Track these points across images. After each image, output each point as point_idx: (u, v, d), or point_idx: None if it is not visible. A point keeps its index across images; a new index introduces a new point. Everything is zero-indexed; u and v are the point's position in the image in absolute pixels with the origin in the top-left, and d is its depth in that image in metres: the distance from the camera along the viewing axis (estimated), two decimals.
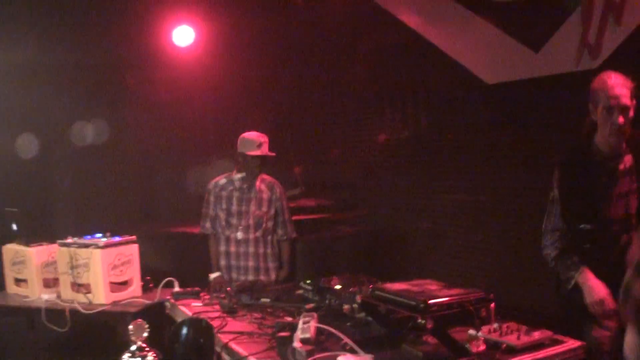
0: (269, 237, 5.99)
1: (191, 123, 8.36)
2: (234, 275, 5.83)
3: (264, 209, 5.90)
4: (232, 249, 5.85)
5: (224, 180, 5.93)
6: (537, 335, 3.53)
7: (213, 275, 5.61)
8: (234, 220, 5.84)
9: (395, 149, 6.95)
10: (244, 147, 5.73)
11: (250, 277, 5.79)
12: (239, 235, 5.81)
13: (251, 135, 5.77)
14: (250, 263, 5.83)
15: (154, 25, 7.89)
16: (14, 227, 6.40)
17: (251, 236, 5.85)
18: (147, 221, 8.23)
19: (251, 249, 5.84)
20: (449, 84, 6.28)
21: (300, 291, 4.86)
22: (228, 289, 5.22)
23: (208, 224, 5.96)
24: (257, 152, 5.67)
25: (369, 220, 7.04)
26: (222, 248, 5.89)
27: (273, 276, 5.97)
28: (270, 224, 5.96)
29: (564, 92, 5.27)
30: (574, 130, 4.81)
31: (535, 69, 5.63)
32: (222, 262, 5.97)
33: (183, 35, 7.83)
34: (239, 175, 5.90)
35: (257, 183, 5.90)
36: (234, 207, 5.84)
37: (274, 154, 5.83)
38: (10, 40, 7.52)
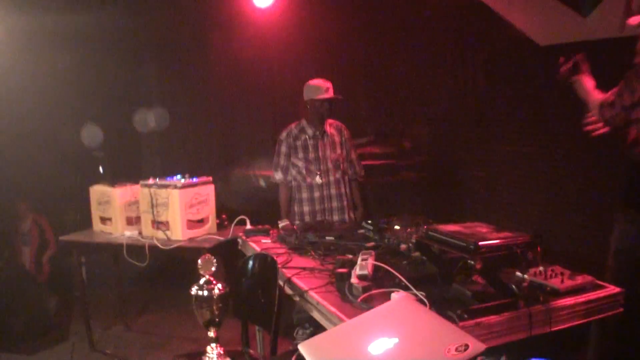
0: (346, 178, 6.01)
1: (267, 78, 8.39)
2: (320, 219, 5.80)
3: (338, 151, 5.91)
4: (316, 194, 5.87)
5: (295, 131, 5.90)
6: (579, 279, 3.49)
7: (282, 224, 5.44)
8: (312, 167, 5.84)
9: (454, 103, 6.87)
10: (312, 93, 5.71)
11: (336, 218, 5.83)
12: (318, 180, 5.82)
13: (317, 81, 5.75)
14: (334, 204, 5.87)
15: None
16: (101, 169, 6.51)
17: (332, 178, 5.87)
18: (224, 165, 8.30)
19: (333, 191, 5.87)
20: (505, 44, 6.21)
21: (362, 230, 4.85)
22: (295, 227, 5.23)
23: (280, 174, 5.95)
24: (326, 96, 5.65)
25: (429, 167, 6.98)
26: (305, 195, 5.90)
27: (352, 216, 6.00)
28: (345, 165, 5.97)
29: (609, 56, 5.08)
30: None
31: (584, 33, 5.55)
32: (307, 209, 5.98)
33: None
34: (308, 124, 5.88)
35: (327, 128, 5.88)
36: (311, 155, 5.83)
37: (340, 97, 5.79)
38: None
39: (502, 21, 6.21)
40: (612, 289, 3.49)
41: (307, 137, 5.85)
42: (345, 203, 5.91)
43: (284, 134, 5.98)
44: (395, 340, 2.20)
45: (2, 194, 7.65)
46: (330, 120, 5.94)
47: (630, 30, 5.02)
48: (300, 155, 5.85)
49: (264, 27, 8.06)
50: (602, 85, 5.20)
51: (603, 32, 5.37)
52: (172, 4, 8.18)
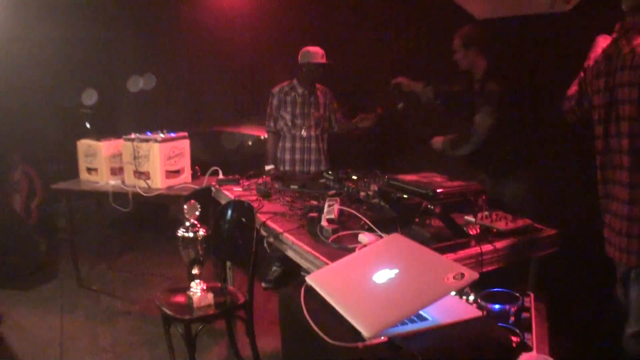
0: (325, 135, 6.00)
1: (230, 46, 8.28)
2: (298, 167, 5.89)
3: (321, 111, 5.90)
4: (297, 145, 5.87)
5: (287, 88, 5.88)
6: (520, 222, 3.56)
7: (268, 167, 5.66)
8: (298, 121, 5.83)
9: (400, 72, 6.85)
10: (309, 58, 5.70)
11: (312, 169, 5.86)
12: (304, 133, 5.83)
13: (313, 48, 5.74)
14: (313, 156, 5.88)
15: None
16: (87, 125, 6.41)
17: (313, 134, 5.86)
18: (197, 122, 8.26)
19: (313, 145, 5.88)
20: (445, 18, 6.10)
21: (323, 180, 4.86)
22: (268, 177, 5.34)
23: (272, 123, 5.94)
24: (320, 61, 5.67)
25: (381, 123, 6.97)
26: (288, 144, 5.90)
27: (321, 167, 6.01)
28: (326, 124, 5.98)
29: (541, 31, 5.29)
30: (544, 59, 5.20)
31: (518, 8, 5.51)
32: (288, 157, 5.99)
33: None
34: (299, 83, 5.86)
35: (316, 91, 5.88)
36: (298, 110, 5.82)
37: (332, 62, 5.78)
38: None
39: None
40: (549, 231, 3.56)
41: (296, 94, 5.83)
42: (322, 156, 5.94)
43: (276, 89, 5.96)
44: (396, 270, 2.22)
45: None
46: (318, 85, 5.92)
47: (559, 6, 5.10)
48: (289, 109, 5.84)
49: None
50: (533, 53, 5.29)
51: (537, 7, 5.34)
52: None
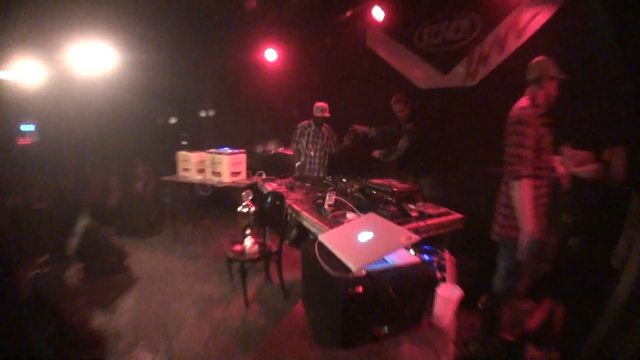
0: (326, 155, 5.89)
1: (273, 96, 8.11)
2: (308, 173, 5.82)
3: (325, 141, 5.81)
4: (308, 160, 5.79)
5: (306, 124, 5.80)
6: (442, 209, 3.56)
7: (297, 164, 5.70)
8: (310, 146, 5.76)
9: (370, 117, 6.73)
10: (317, 111, 5.64)
11: (317, 174, 5.80)
12: (312, 153, 5.76)
13: (320, 104, 5.66)
14: (316, 167, 5.79)
15: (256, 47, 7.66)
16: (184, 143, 6.41)
17: (318, 154, 5.78)
18: (250, 143, 7.97)
19: (316, 161, 5.80)
20: (401, 86, 5.93)
21: (326, 181, 4.83)
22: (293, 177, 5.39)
23: (295, 145, 5.84)
24: (320, 115, 5.60)
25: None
26: (303, 159, 5.80)
27: (324, 174, 5.95)
28: (327, 149, 5.87)
29: (457, 97, 5.29)
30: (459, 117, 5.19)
31: (444, 82, 5.49)
32: (303, 166, 5.86)
33: (270, 54, 7.53)
34: (314, 124, 5.78)
35: (322, 128, 5.79)
36: (311, 140, 5.75)
37: (329, 115, 5.70)
38: (183, 50, 7.37)
39: (398, 73, 6.06)
40: (457, 215, 3.57)
41: (311, 130, 5.75)
42: (322, 167, 5.84)
43: (301, 124, 5.87)
44: (372, 234, 2.25)
45: (127, 154, 7.52)
46: (325, 124, 5.84)
47: (468, 82, 5.13)
48: (305, 139, 5.76)
49: (272, 69, 7.88)
50: (455, 113, 5.27)
51: (455, 82, 5.33)
52: (225, 56, 8.00)
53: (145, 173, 7.40)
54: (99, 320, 3.90)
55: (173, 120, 8.50)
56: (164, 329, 3.74)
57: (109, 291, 4.48)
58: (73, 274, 4.57)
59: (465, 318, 2.33)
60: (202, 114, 8.97)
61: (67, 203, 6.42)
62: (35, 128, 7.63)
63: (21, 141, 7.48)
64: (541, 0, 4.39)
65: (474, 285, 2.04)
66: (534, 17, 4.48)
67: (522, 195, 2.69)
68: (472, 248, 3.85)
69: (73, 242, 4.99)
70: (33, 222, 5.76)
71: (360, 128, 5.54)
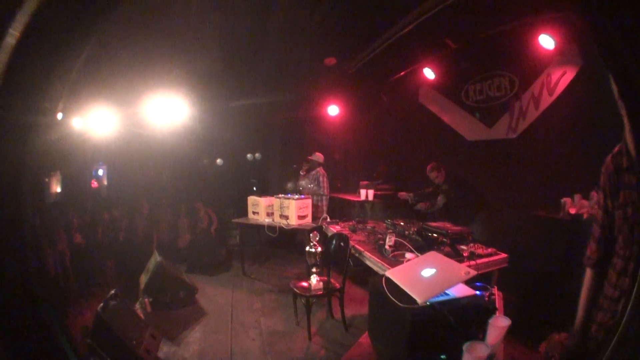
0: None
1: (335, 143, 8.37)
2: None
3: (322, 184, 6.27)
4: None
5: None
6: (490, 250, 3.68)
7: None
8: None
9: (415, 169, 6.75)
10: (319, 159, 6.23)
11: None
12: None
13: (320, 155, 6.24)
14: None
15: (320, 104, 7.99)
16: (254, 188, 6.70)
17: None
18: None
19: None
20: (450, 138, 6.10)
21: (385, 224, 4.86)
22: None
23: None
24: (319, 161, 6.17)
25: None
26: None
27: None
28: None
29: (501, 148, 5.34)
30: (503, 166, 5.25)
31: (489, 135, 5.57)
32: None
33: (333, 110, 7.90)
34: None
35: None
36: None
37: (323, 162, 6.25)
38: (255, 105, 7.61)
39: (448, 126, 6.16)
40: (503, 255, 3.63)
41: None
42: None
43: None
44: (434, 270, 2.39)
45: (192, 199, 7.70)
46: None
47: (510, 134, 5.22)
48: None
49: (334, 122, 8.14)
50: (502, 162, 5.34)
51: (499, 135, 5.41)
52: (291, 109, 8.26)
53: (206, 215, 7.55)
54: (165, 350, 3.93)
55: (244, 168, 8.72)
56: None
57: (178, 323, 4.53)
58: (142, 306, 4.73)
59: (513, 346, 2.38)
60: (270, 161, 9.10)
61: (140, 241, 6.71)
62: (103, 172, 7.96)
63: (94, 184, 7.85)
64: (567, 60, 4.51)
65: (516, 316, 2.14)
66: (562, 75, 4.60)
67: None
68: (513, 284, 3.89)
69: (144, 277, 5.13)
70: (104, 258, 6.03)
71: (402, 195, 5.92)
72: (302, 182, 6.41)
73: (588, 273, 1.87)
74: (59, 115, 4.69)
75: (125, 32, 4.01)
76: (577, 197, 3.99)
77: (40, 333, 1.26)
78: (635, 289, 1.10)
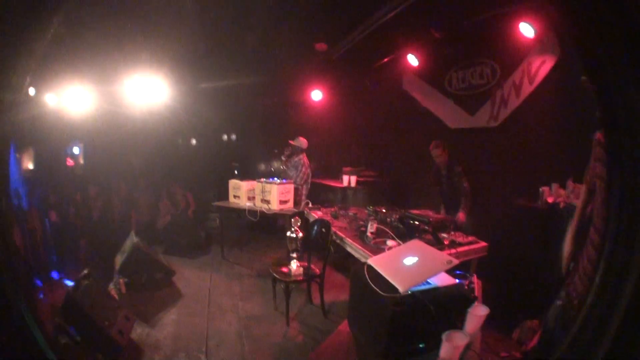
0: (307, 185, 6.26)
1: (318, 135, 8.16)
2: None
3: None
4: None
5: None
6: (470, 238, 3.67)
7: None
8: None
9: (399, 155, 6.80)
10: (302, 144, 6.15)
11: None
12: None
13: (303, 140, 6.18)
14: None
15: (304, 88, 7.92)
16: (236, 172, 6.61)
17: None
18: None
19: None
20: (433, 125, 6.06)
21: (367, 212, 4.82)
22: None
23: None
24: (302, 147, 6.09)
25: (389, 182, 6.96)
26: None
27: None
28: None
29: (483, 136, 5.34)
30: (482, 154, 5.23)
31: (471, 123, 5.57)
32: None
33: (316, 94, 7.84)
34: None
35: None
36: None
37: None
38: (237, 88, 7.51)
39: (431, 114, 6.14)
40: (483, 243, 3.64)
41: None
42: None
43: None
44: (417, 258, 2.38)
45: (171, 181, 7.63)
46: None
47: (492, 123, 5.21)
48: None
49: (317, 107, 8.10)
50: (478, 149, 5.35)
51: (480, 123, 5.41)
52: (276, 94, 8.22)
53: (183, 199, 7.46)
54: (139, 331, 3.87)
55: (225, 151, 8.66)
56: (204, 343, 3.68)
57: (153, 305, 4.47)
58: (117, 287, 4.64)
59: (488, 333, 2.41)
60: (252, 146, 9.05)
61: (116, 222, 6.59)
62: (79, 151, 7.77)
63: (70, 162, 7.67)
64: (546, 49, 4.50)
65: (492, 303, 2.14)
66: (541, 64, 4.60)
67: None
68: (491, 271, 3.92)
69: (120, 258, 5.03)
70: (77, 237, 5.89)
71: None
72: (283, 167, 6.31)
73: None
74: (31, 91, 4.54)
75: (101, 9, 3.84)
76: (554, 186, 4.02)
77: (3, 310, 1.26)
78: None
